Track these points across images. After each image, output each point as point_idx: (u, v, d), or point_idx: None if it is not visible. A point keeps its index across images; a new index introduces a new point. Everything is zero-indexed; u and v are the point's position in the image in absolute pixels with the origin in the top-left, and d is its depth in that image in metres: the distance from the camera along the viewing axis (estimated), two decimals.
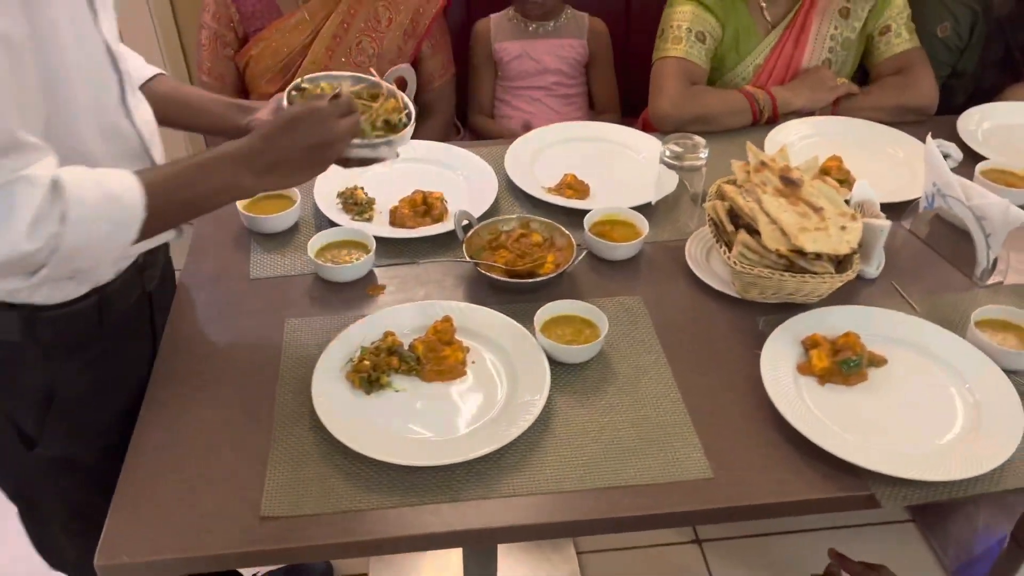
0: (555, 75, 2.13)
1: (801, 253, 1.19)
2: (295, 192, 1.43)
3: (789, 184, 1.27)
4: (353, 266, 1.30)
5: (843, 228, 1.24)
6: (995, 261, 1.32)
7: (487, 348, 1.18)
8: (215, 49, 1.86)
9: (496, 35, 2.14)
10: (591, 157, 1.65)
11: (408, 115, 1.19)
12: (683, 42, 1.79)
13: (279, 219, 1.41)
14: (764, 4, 1.82)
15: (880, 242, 1.31)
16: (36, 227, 0.87)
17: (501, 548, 1.66)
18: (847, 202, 1.31)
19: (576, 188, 1.53)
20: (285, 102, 1.16)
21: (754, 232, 1.24)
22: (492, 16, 2.16)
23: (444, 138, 2.01)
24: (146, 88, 1.22)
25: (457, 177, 1.57)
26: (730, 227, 1.26)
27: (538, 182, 1.55)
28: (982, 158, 1.58)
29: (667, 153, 1.41)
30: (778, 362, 1.14)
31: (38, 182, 0.86)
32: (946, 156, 1.61)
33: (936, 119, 1.77)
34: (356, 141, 1.12)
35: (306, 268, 1.34)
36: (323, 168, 1.10)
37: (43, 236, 0.87)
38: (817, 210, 1.25)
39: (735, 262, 1.21)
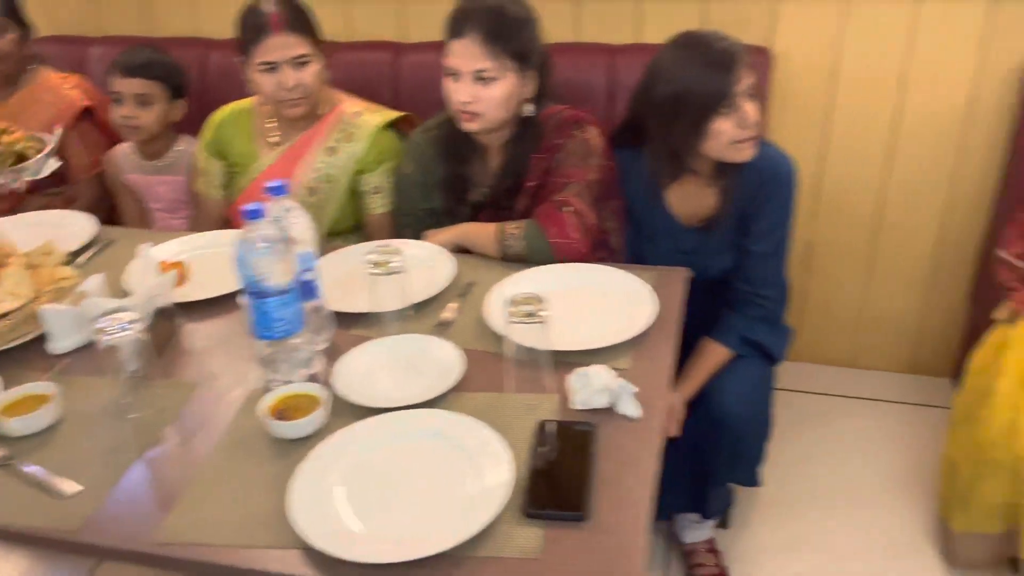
0: (172, 205, 2.42)
1: None
2: None
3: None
4: None
5: None
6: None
7: None
8: None
9: (122, 167, 2.40)
10: None
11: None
12: (198, 176, 2.24)
13: None
14: (268, 128, 2.14)
15: (58, 327, 1.53)
16: None
17: None
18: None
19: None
20: None
21: None
22: (119, 146, 2.41)
23: None
24: None
25: None
26: None
27: None
28: None
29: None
30: None
31: None
32: None
33: None
34: None
35: None
36: None
37: None
38: None
39: None
